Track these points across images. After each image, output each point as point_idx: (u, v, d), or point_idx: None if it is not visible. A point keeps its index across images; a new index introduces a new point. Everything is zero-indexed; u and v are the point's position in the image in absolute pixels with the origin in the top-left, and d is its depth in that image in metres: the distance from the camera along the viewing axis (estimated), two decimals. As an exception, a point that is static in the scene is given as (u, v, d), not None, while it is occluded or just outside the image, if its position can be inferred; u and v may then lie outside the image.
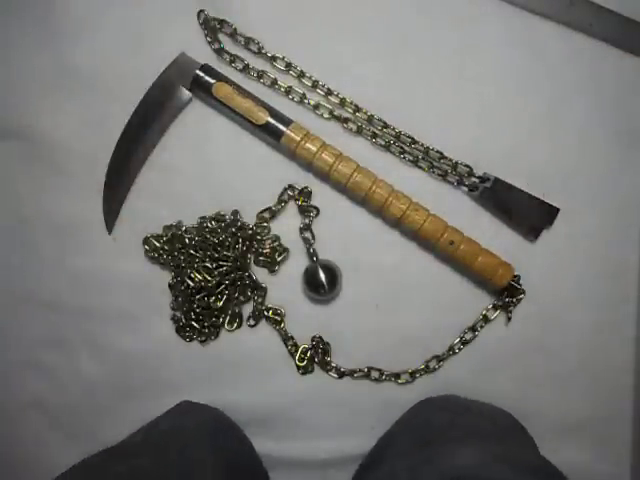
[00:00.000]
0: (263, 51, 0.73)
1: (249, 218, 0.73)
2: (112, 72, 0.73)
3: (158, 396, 0.72)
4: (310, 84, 0.73)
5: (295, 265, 0.72)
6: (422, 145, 0.72)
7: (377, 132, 0.73)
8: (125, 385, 0.72)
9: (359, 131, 0.73)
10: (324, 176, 0.71)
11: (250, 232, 0.72)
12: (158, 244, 0.72)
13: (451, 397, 0.70)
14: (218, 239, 0.71)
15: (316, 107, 0.73)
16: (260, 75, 0.73)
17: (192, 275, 0.71)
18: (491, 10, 0.73)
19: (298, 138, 0.69)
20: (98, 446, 0.71)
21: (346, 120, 0.73)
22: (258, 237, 0.72)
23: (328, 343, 0.72)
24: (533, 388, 0.72)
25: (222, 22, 0.73)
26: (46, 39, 0.73)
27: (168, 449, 0.60)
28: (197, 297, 0.71)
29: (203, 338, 0.72)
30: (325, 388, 0.72)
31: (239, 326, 0.72)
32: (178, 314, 0.72)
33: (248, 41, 0.73)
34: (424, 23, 0.74)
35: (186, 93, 0.72)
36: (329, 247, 0.72)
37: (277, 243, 0.72)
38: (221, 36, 0.74)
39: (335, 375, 0.72)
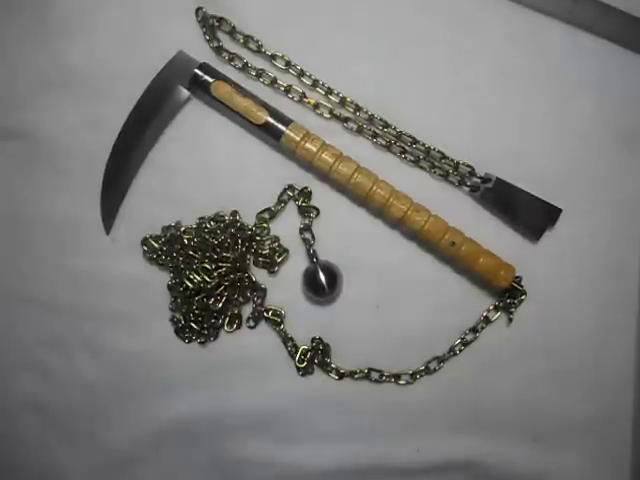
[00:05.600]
0: (262, 49, 0.72)
1: (248, 219, 0.72)
2: (109, 71, 0.72)
3: (157, 397, 0.72)
4: (310, 83, 0.72)
5: (295, 266, 0.72)
6: (423, 145, 0.72)
7: (378, 132, 0.72)
8: (124, 386, 0.72)
9: (360, 131, 0.72)
10: (324, 176, 0.71)
11: (249, 233, 0.71)
12: (157, 245, 0.71)
13: None
14: (217, 240, 0.71)
15: (316, 106, 0.72)
16: (259, 74, 0.72)
17: (191, 276, 0.70)
18: (493, 8, 0.72)
19: (298, 138, 0.69)
20: (97, 447, 0.72)
21: (346, 119, 0.72)
22: (257, 238, 0.72)
23: (328, 344, 0.72)
24: (534, 389, 0.72)
25: (221, 20, 0.72)
26: (42, 38, 0.72)
27: None
28: (196, 298, 0.71)
29: (202, 339, 0.71)
30: (325, 389, 0.72)
31: (238, 327, 0.72)
32: (177, 315, 0.72)
33: (247, 39, 0.72)
34: (425, 21, 0.73)
35: (184, 92, 0.71)
36: (329, 248, 0.72)
37: (277, 244, 0.72)
38: (220, 34, 0.73)
39: (335, 376, 0.72)
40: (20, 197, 0.73)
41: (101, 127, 0.72)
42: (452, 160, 0.71)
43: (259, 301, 0.72)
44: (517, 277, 0.70)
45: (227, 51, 0.72)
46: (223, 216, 0.72)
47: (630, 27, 0.72)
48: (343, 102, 0.72)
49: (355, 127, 0.72)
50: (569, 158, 0.73)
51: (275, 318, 0.71)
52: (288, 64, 0.72)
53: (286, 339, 0.71)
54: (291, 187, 0.72)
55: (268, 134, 0.70)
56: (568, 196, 0.71)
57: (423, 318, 0.72)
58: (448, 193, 0.73)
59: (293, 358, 0.71)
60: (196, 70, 0.70)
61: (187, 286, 0.70)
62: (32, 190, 0.73)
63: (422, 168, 0.72)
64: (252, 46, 0.72)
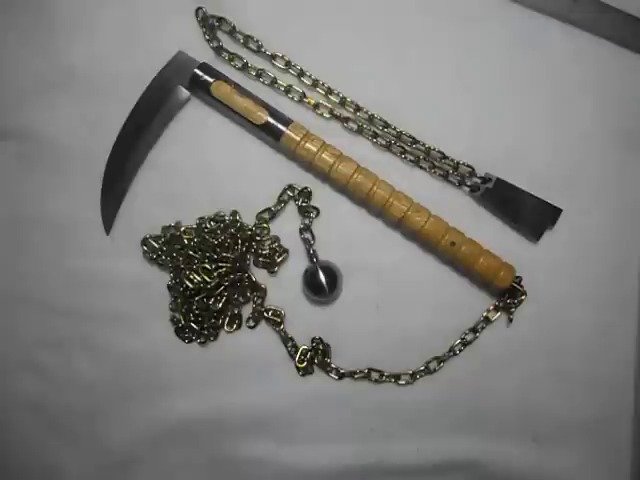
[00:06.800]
0: (262, 49, 0.72)
1: (248, 219, 0.72)
2: (109, 71, 0.72)
3: (157, 397, 0.72)
4: (310, 83, 0.72)
5: (295, 266, 0.72)
6: (423, 145, 0.72)
7: (378, 132, 0.72)
8: (124, 386, 0.72)
9: (360, 131, 0.72)
10: (324, 176, 0.71)
11: (249, 233, 0.71)
12: (157, 245, 0.71)
13: None
14: (217, 240, 0.71)
15: (316, 106, 0.72)
16: (259, 74, 0.72)
17: (191, 276, 0.70)
18: (493, 8, 0.73)
19: (298, 138, 0.69)
20: (97, 447, 0.72)
21: (346, 119, 0.72)
22: (257, 238, 0.72)
23: (328, 344, 0.72)
24: (534, 389, 0.72)
25: (221, 20, 0.72)
26: (43, 39, 0.73)
27: None
28: (196, 298, 0.71)
29: (202, 339, 0.71)
30: (325, 389, 0.72)
31: (238, 327, 0.72)
32: (177, 315, 0.72)
33: (247, 39, 0.72)
34: (425, 21, 0.73)
35: (184, 92, 0.71)
36: (329, 248, 0.72)
37: (277, 244, 0.72)
38: (220, 34, 0.73)
39: (335, 376, 0.71)
40: (20, 197, 0.73)
41: (101, 127, 0.72)
42: (452, 160, 0.71)
43: (259, 301, 0.72)
44: (517, 277, 0.70)
45: (227, 51, 0.72)
46: (223, 216, 0.72)
47: (630, 27, 0.72)
48: (343, 102, 0.72)
49: (355, 127, 0.72)
50: (569, 158, 0.73)
51: (275, 318, 0.71)
52: (288, 64, 0.72)
53: (286, 339, 0.71)
54: (291, 187, 0.72)
55: (268, 134, 0.70)
56: (568, 196, 0.71)
57: (423, 318, 0.72)
58: (448, 193, 0.73)
59: (293, 358, 0.71)
60: (196, 70, 0.70)
61: (187, 286, 0.70)
62: (32, 190, 0.73)
63: (422, 168, 0.72)
64: (252, 46, 0.72)
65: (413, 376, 0.71)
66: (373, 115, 0.72)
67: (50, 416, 0.72)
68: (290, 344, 0.71)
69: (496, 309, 0.71)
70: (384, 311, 0.72)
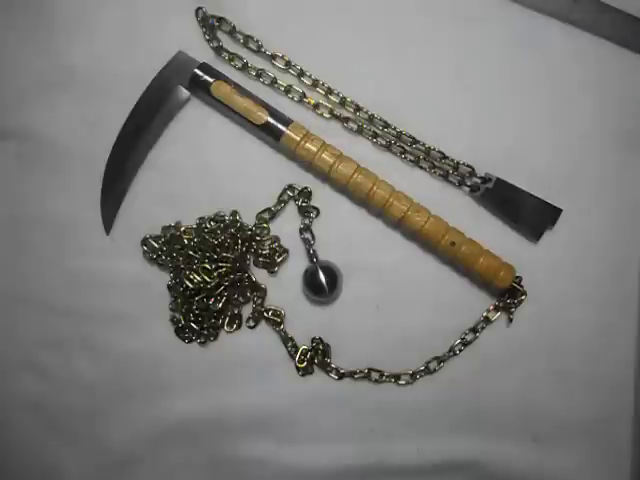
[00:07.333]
0: (262, 49, 0.72)
1: (248, 219, 0.72)
2: (109, 71, 0.72)
3: (157, 397, 0.72)
4: (310, 83, 0.72)
5: (295, 266, 0.72)
6: (423, 145, 0.72)
7: (378, 132, 0.72)
8: (124, 386, 0.72)
9: (360, 131, 0.72)
10: (324, 176, 0.71)
11: (249, 233, 0.71)
12: (157, 245, 0.71)
13: None
14: (217, 240, 0.71)
15: (316, 106, 0.72)
16: (259, 74, 0.72)
17: (191, 276, 0.70)
18: (493, 8, 0.73)
19: (298, 138, 0.69)
20: (97, 447, 0.72)
21: (346, 119, 0.72)
22: (257, 238, 0.72)
23: (328, 344, 0.72)
24: (534, 389, 0.72)
25: (221, 20, 0.72)
26: (42, 39, 0.73)
27: None
28: (196, 298, 0.71)
29: (202, 339, 0.71)
30: (325, 389, 0.72)
31: (238, 327, 0.72)
32: (177, 315, 0.72)
33: (247, 39, 0.72)
34: (425, 21, 0.73)
35: (184, 92, 0.71)
36: (329, 248, 0.72)
37: (277, 244, 0.72)
38: (220, 34, 0.73)
39: (335, 376, 0.71)
40: (20, 197, 0.73)
41: (101, 127, 0.72)
42: (452, 160, 0.72)
43: (259, 301, 0.72)
44: (517, 277, 0.70)
45: (227, 51, 0.72)
46: (223, 216, 0.72)
47: (630, 27, 0.72)
48: (343, 102, 0.72)
49: (355, 127, 0.72)
50: (569, 158, 0.73)
51: (275, 318, 0.71)
52: (288, 64, 0.72)
53: (286, 339, 0.71)
54: (291, 187, 0.72)
55: (268, 134, 0.70)
56: (568, 196, 0.71)
57: (423, 318, 0.72)
58: (448, 193, 0.73)
59: (293, 358, 0.71)
60: (196, 70, 0.70)
61: (187, 286, 0.70)
62: (32, 190, 0.73)
63: (422, 168, 0.72)
64: (252, 46, 0.72)
65: (413, 376, 0.71)
66: (373, 115, 0.72)
67: (50, 416, 0.72)
68: (290, 344, 0.71)
69: (496, 309, 0.71)
70: (384, 311, 0.72)
